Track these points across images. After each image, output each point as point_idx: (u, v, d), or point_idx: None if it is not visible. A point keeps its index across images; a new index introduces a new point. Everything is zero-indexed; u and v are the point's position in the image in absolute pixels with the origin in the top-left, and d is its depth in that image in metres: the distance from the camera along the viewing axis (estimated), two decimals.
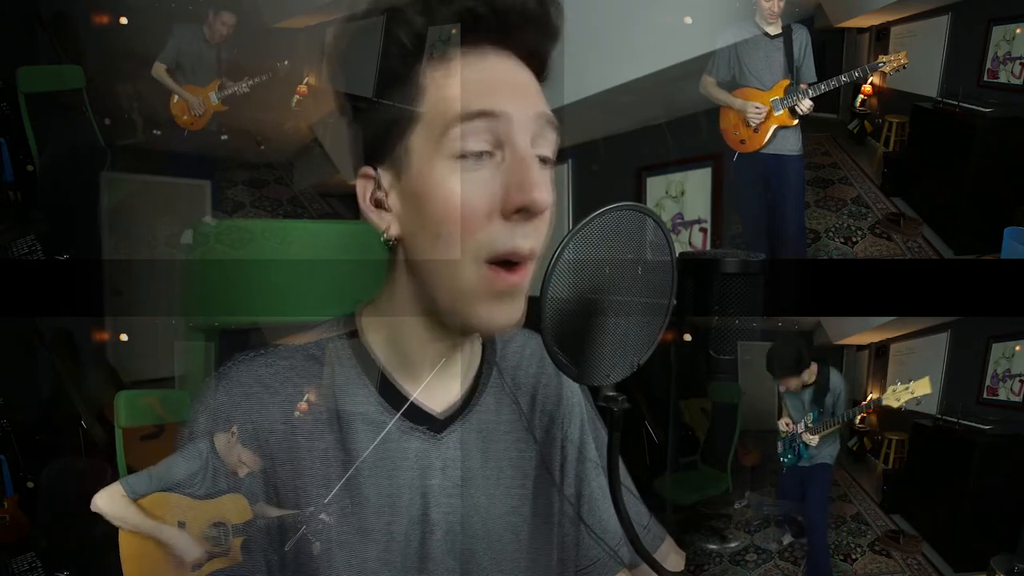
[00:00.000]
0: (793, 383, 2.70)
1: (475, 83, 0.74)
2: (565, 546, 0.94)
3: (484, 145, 0.73)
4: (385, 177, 0.77)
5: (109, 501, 0.76)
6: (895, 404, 2.48)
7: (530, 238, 0.74)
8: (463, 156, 0.73)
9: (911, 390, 2.44)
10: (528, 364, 0.93)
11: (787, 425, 2.75)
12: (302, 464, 0.78)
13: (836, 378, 2.74)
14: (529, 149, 0.74)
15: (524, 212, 0.73)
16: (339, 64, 0.81)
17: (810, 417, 2.70)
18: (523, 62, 0.78)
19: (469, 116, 0.73)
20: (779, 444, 2.81)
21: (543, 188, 0.73)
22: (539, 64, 0.79)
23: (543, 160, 0.76)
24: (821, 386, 2.73)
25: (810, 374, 2.70)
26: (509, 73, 0.77)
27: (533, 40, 0.78)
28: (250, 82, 2.73)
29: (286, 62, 2.71)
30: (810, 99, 2.60)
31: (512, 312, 0.76)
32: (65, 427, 2.46)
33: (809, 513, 2.79)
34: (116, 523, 0.76)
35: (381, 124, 0.77)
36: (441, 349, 0.82)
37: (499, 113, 0.73)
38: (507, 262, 0.74)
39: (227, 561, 0.76)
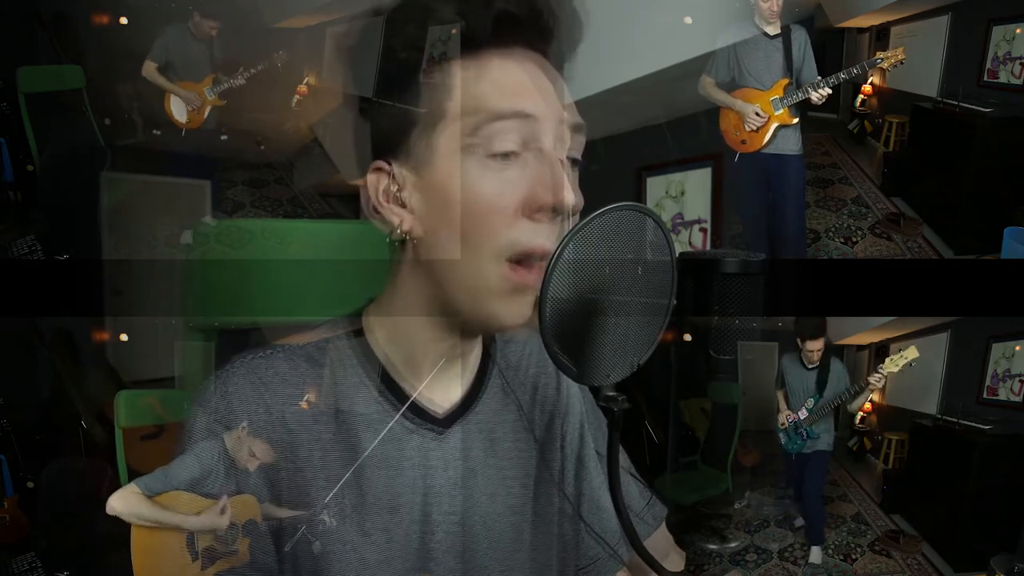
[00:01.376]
0: (815, 349, 2.84)
1: (505, 84, 0.75)
2: (565, 545, 0.94)
3: (512, 145, 0.74)
4: (401, 173, 0.77)
5: (124, 501, 0.76)
6: (895, 369, 2.79)
7: (550, 237, 0.75)
8: (492, 155, 0.73)
9: (904, 356, 2.77)
10: (528, 363, 0.93)
11: (787, 418, 2.88)
12: (304, 464, 0.78)
13: (838, 364, 2.91)
14: (555, 150, 0.75)
15: (549, 212, 0.74)
16: (352, 58, 0.81)
17: (810, 402, 2.86)
18: (545, 65, 0.79)
19: (500, 116, 0.73)
20: (781, 436, 2.90)
21: (569, 189, 0.74)
22: (557, 68, 0.80)
23: (564, 162, 0.77)
24: (825, 369, 2.87)
25: (818, 354, 2.88)
26: (536, 75, 0.77)
27: (556, 44, 0.79)
28: (246, 73, 2.72)
29: (282, 52, 2.70)
30: (828, 88, 2.61)
31: (524, 309, 0.76)
32: (65, 427, 2.46)
33: (808, 491, 2.95)
34: (133, 521, 0.76)
35: (397, 119, 0.76)
36: (444, 348, 0.82)
37: (529, 114, 0.74)
38: (524, 260, 0.74)
39: (235, 561, 0.76)
